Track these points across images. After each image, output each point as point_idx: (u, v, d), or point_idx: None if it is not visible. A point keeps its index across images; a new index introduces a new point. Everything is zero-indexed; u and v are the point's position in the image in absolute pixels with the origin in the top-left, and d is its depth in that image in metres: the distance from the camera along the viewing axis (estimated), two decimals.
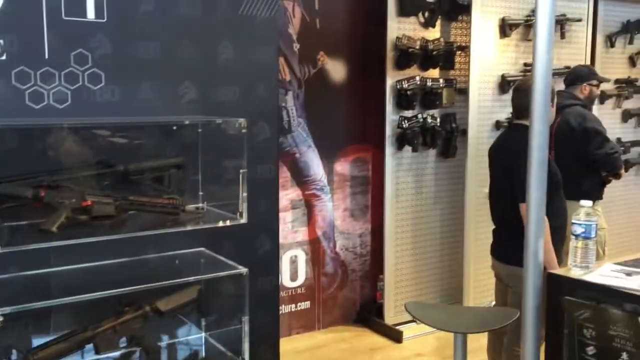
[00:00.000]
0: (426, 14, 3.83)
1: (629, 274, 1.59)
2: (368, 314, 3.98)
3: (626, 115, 4.79)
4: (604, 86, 4.63)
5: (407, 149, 3.84)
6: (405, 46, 3.70)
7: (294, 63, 3.63)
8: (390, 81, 3.74)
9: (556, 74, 4.14)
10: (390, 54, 3.72)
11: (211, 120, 1.97)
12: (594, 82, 3.65)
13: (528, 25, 4.04)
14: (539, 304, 1.60)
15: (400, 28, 3.75)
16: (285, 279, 3.75)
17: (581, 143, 3.45)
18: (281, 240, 3.73)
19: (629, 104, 4.80)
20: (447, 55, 3.90)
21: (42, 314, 1.78)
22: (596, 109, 4.62)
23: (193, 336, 2.13)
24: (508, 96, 3.64)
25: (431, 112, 3.88)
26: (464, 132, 3.98)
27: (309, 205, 3.80)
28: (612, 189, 4.75)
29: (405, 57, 3.73)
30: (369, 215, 4.03)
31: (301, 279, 3.81)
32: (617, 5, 4.63)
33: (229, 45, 2.10)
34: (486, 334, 2.90)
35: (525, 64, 4.11)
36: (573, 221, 1.65)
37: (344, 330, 3.91)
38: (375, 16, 3.75)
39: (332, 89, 3.80)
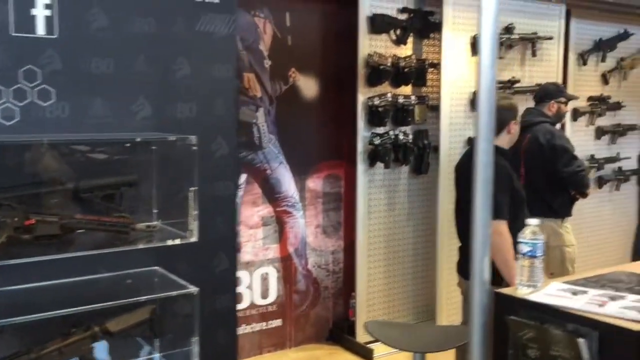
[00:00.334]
0: (398, 32, 3.85)
1: (574, 293, 1.58)
2: (340, 331, 3.94)
3: (599, 132, 4.83)
4: (578, 103, 4.69)
5: (380, 165, 3.84)
6: (376, 63, 3.71)
7: (265, 79, 3.63)
8: (361, 98, 3.75)
9: (528, 91, 4.19)
10: (361, 71, 3.73)
11: (161, 137, 1.96)
12: (562, 99, 3.68)
13: (499, 43, 4.06)
14: (485, 322, 1.58)
15: (372, 45, 3.76)
16: (256, 297, 3.71)
17: (549, 160, 3.47)
18: (252, 257, 3.73)
19: (602, 121, 4.84)
20: (419, 73, 3.92)
21: None
22: (570, 126, 4.67)
23: (146, 357, 2.09)
24: None
25: (403, 128, 3.89)
26: (436, 149, 3.99)
27: (280, 222, 3.78)
28: (586, 205, 4.78)
29: (377, 74, 3.74)
30: (341, 232, 4.01)
31: (272, 296, 3.77)
32: (589, 24, 4.69)
33: (185, 61, 2.10)
34: (454, 351, 2.88)
35: (497, 82, 4.12)
36: (519, 240, 1.64)
37: (315, 349, 3.87)
38: (346, 33, 3.76)
39: (304, 105, 3.80)
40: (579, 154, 4.68)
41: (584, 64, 4.68)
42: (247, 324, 3.67)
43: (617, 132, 4.88)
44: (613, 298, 1.53)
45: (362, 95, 3.75)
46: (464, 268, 2.91)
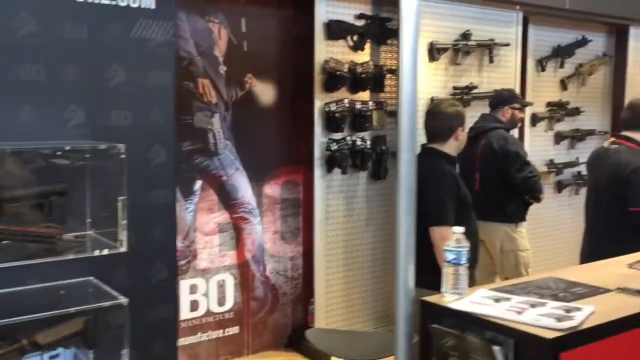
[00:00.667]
0: (355, 38, 3.86)
1: (497, 300, 1.58)
2: (299, 338, 3.92)
3: (558, 137, 4.89)
4: (537, 109, 4.75)
5: (337, 171, 3.83)
6: (333, 69, 3.71)
7: (220, 85, 3.61)
8: (318, 104, 3.74)
9: (486, 97, 4.23)
10: (318, 77, 3.73)
11: (92, 145, 1.93)
12: (516, 105, 3.72)
13: (456, 49, 4.10)
14: (410, 331, 1.58)
15: (329, 51, 3.76)
16: (212, 304, 3.68)
17: (503, 166, 3.51)
18: (208, 264, 3.70)
19: (561, 126, 4.90)
20: (377, 78, 3.93)
21: None
22: (529, 131, 4.73)
23: None
24: None
25: (361, 134, 3.89)
26: (395, 155, 3.99)
27: (237, 229, 3.76)
28: (546, 209, 4.85)
29: (334, 79, 3.74)
30: (300, 238, 4.00)
31: (229, 303, 3.75)
32: (547, 31, 4.75)
33: (120, 68, 2.07)
34: None
35: (455, 87, 4.17)
36: (445, 248, 1.64)
37: (273, 356, 3.85)
38: (303, 39, 3.76)
39: (261, 111, 3.78)
40: (538, 159, 4.78)
41: (543, 70, 4.74)
42: (203, 332, 3.64)
43: (576, 137, 4.95)
44: (534, 305, 1.54)
45: (319, 101, 3.75)
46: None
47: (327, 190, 3.85)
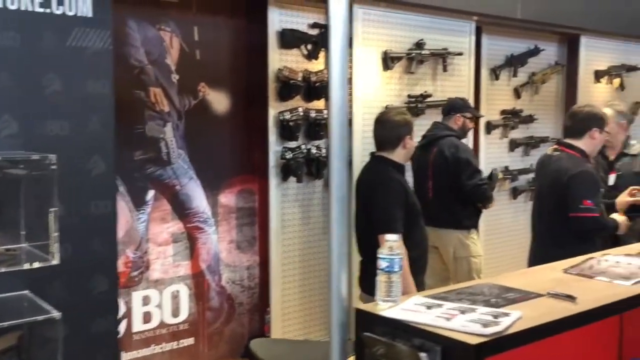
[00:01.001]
0: (309, 47, 3.87)
1: (429, 307, 1.60)
2: None
3: (513, 145, 4.98)
4: (491, 116, 4.83)
5: (293, 179, 3.83)
6: (286, 78, 3.72)
7: (172, 94, 3.58)
8: (273, 112, 3.74)
9: (440, 105, 4.28)
10: (272, 86, 3.73)
11: (24, 156, 1.89)
12: (468, 114, 3.78)
13: (410, 58, 4.15)
14: (344, 340, 1.58)
15: (283, 60, 3.77)
16: (166, 315, 3.63)
17: (454, 173, 3.55)
18: (162, 275, 3.65)
19: (515, 134, 5.00)
20: None
21: None
22: (484, 139, 4.81)
23: None
24: None
25: (316, 142, 3.90)
26: (350, 163, 4.01)
27: (191, 239, 3.72)
28: (502, 215, 4.93)
29: (288, 88, 3.75)
30: (256, 247, 3.98)
31: (184, 314, 3.70)
32: (500, 40, 4.85)
33: (55, 77, 2.04)
34: None
35: (409, 96, 4.21)
36: (378, 255, 1.65)
37: None
38: (257, 47, 3.76)
39: (215, 120, 3.76)
40: (493, 166, 4.85)
41: (497, 78, 4.83)
42: (156, 344, 3.58)
43: (530, 144, 5.05)
44: (464, 311, 1.56)
45: (273, 109, 3.75)
46: (364, 283, 2.93)
47: (283, 199, 3.84)
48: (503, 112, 4.90)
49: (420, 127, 4.02)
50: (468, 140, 4.40)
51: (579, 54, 5.21)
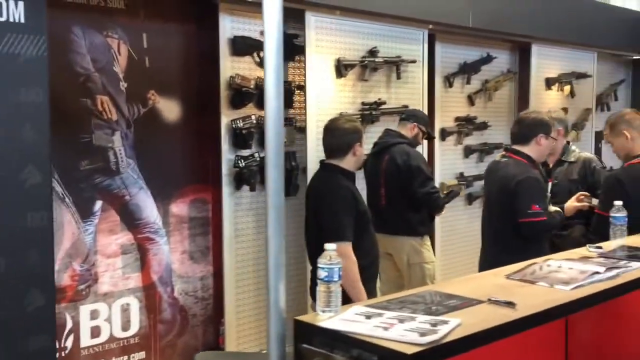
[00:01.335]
0: (261, 54, 3.84)
1: (369, 317, 1.58)
2: None
3: (467, 151, 5.04)
4: (445, 123, 4.89)
5: (246, 188, 3.79)
6: (239, 85, 3.68)
7: (121, 102, 3.49)
8: (225, 120, 3.70)
9: (395, 112, 4.30)
10: (224, 93, 3.68)
11: None
12: (423, 127, 3.80)
13: (364, 65, 4.16)
14: (282, 352, 1.55)
15: (235, 67, 3.73)
16: (115, 329, 3.53)
17: (406, 180, 3.56)
18: (111, 287, 3.55)
19: (469, 140, 5.06)
20: (285, 94, 3.89)
21: None
22: (438, 146, 4.85)
23: None
24: None
25: None
26: (305, 170, 4.00)
27: (142, 250, 3.63)
28: (457, 221, 4.98)
29: (240, 96, 3.71)
30: (210, 257, 3.91)
31: (134, 328, 3.60)
32: (454, 48, 4.91)
33: None
34: None
35: (363, 103, 4.22)
36: (318, 265, 1.62)
37: None
38: (208, 55, 3.71)
39: (166, 128, 3.69)
40: (448, 172, 4.90)
41: (450, 86, 4.89)
42: (106, 359, 3.48)
43: (484, 150, 5.12)
44: (403, 320, 1.54)
45: (226, 117, 3.70)
46: (314, 291, 2.90)
47: (236, 207, 3.79)
48: (457, 119, 4.95)
49: (375, 134, 4.03)
50: (423, 147, 4.43)
51: (531, 61, 5.32)
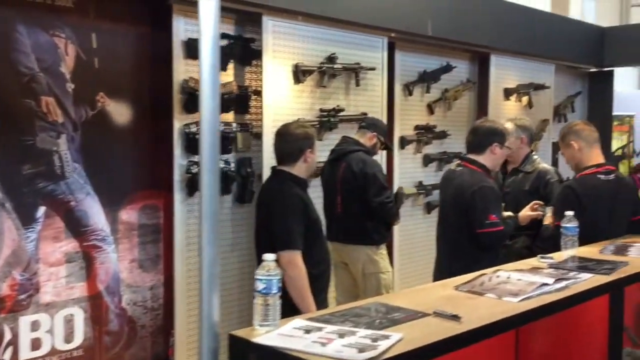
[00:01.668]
0: None
1: (308, 331, 1.51)
2: None
3: (427, 160, 5.04)
4: (405, 132, 4.87)
5: (199, 194, 3.67)
6: (192, 89, 3.58)
7: (67, 104, 3.35)
8: (178, 124, 3.59)
9: (353, 119, 4.26)
10: (177, 97, 3.58)
11: None
12: (382, 139, 3.76)
13: (322, 71, 4.11)
14: None
15: (189, 70, 3.63)
16: (58, 342, 3.36)
17: (362, 188, 3.52)
18: (54, 297, 3.39)
19: (429, 149, 5.05)
20: (241, 99, 3.85)
21: None
22: (398, 154, 4.83)
23: None
24: None
25: (225, 156, 3.78)
26: (260, 177, 3.91)
27: (88, 258, 3.48)
28: (416, 230, 4.96)
29: (194, 100, 3.61)
30: (161, 266, 3.78)
31: (78, 340, 3.44)
32: (413, 56, 4.91)
33: None
34: None
35: (322, 110, 4.16)
36: (255, 276, 1.55)
37: None
38: (162, 57, 3.60)
39: (115, 132, 3.56)
40: (407, 181, 4.88)
41: (410, 94, 4.87)
42: None
43: (444, 159, 5.12)
44: (342, 335, 1.48)
45: (179, 121, 3.60)
46: None
47: (189, 214, 3.68)
48: (417, 127, 4.94)
49: (334, 141, 3.98)
50: (382, 155, 4.40)
51: (490, 72, 5.35)
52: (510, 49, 5.37)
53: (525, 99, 5.68)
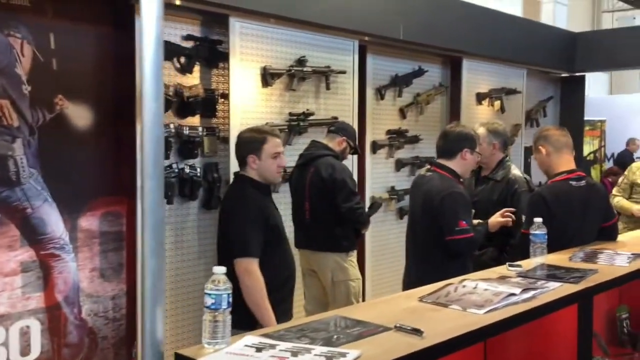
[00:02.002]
0: (182, 60, 3.65)
1: (260, 349, 1.42)
2: None
3: (399, 164, 4.98)
4: (377, 136, 4.81)
5: (164, 201, 3.56)
6: None
7: (23, 107, 3.21)
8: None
9: (324, 123, 4.18)
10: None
11: None
12: (351, 142, 3.68)
13: (291, 75, 4.03)
14: None
15: None
16: (13, 355, 3.21)
17: (331, 194, 3.44)
18: (9, 309, 3.23)
19: (401, 154, 5.00)
20: (208, 103, 3.74)
21: None
22: (369, 159, 4.76)
23: None
24: None
25: (190, 161, 3.67)
26: (228, 182, 3.81)
27: (45, 267, 3.34)
28: (389, 235, 4.89)
29: None
30: (123, 275, 3.65)
31: (35, 353, 3.29)
32: (385, 60, 4.85)
33: None
34: None
35: (291, 114, 4.08)
36: (205, 290, 1.45)
37: None
38: (125, 59, 3.48)
39: (75, 135, 3.42)
40: (379, 186, 4.82)
41: (382, 98, 4.82)
42: None
43: (416, 164, 5.07)
44: (296, 353, 1.39)
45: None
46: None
47: None
48: (389, 132, 4.89)
49: (303, 146, 3.89)
50: (353, 160, 4.34)
51: (462, 76, 5.33)
52: (482, 53, 5.36)
53: (497, 103, 5.67)
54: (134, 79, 3.44)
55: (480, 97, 5.52)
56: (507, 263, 2.43)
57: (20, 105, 3.21)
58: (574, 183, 2.92)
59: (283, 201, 3.91)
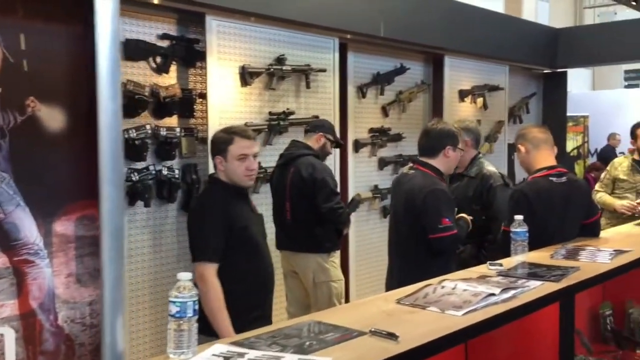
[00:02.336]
0: (158, 59, 3.58)
1: (227, 358, 1.36)
2: None
3: (382, 163, 4.94)
4: (359, 135, 4.76)
5: (140, 204, 3.49)
6: (131, 92, 3.40)
7: None
8: None
9: (304, 122, 4.12)
10: None
11: None
12: (330, 136, 3.62)
13: (270, 73, 3.97)
14: None
15: (128, 73, 3.45)
16: None
17: (312, 194, 3.38)
18: None
19: (384, 152, 4.96)
20: (185, 103, 3.67)
21: None
22: (352, 157, 4.71)
23: None
24: None
25: (168, 163, 3.60)
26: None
27: (19, 274, 3.25)
28: (373, 234, 4.85)
29: (133, 104, 3.43)
30: (100, 280, 3.56)
31: None
32: (367, 58, 4.80)
33: None
34: None
35: (271, 113, 4.02)
36: (169, 299, 1.39)
37: None
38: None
39: (48, 138, 3.33)
40: (362, 185, 4.77)
41: (364, 96, 4.77)
42: None
43: (399, 162, 5.03)
44: None
45: None
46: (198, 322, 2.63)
47: (130, 225, 3.49)
48: (371, 130, 4.85)
49: (283, 146, 3.83)
50: (336, 159, 4.29)
51: (444, 73, 5.30)
52: (464, 50, 5.33)
53: (480, 100, 5.65)
54: None
55: (462, 94, 5.50)
56: (487, 262, 2.39)
57: None
58: (554, 179, 2.88)
59: (264, 202, 3.85)
